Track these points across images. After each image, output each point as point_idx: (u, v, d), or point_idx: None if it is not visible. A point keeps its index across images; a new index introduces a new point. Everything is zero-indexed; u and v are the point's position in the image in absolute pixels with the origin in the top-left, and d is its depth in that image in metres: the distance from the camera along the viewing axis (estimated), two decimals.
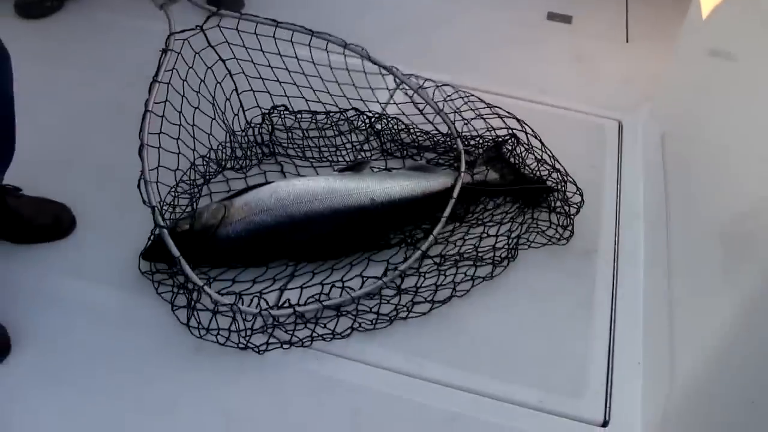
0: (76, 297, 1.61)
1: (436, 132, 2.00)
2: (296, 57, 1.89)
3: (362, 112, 2.03)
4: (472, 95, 2.05)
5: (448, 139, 1.98)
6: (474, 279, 1.64)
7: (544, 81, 2.32)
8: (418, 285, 1.62)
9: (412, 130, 2.01)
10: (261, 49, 1.86)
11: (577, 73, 2.40)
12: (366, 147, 2.00)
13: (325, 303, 1.53)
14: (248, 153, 1.93)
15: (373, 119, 2.03)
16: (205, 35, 1.81)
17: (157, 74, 1.65)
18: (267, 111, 2.00)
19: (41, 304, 1.60)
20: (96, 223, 1.76)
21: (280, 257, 1.69)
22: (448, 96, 2.06)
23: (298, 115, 2.03)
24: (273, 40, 1.85)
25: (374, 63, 1.90)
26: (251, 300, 1.57)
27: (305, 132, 2.01)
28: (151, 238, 1.63)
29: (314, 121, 2.03)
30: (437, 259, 1.67)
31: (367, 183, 1.74)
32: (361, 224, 1.71)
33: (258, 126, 1.99)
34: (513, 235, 1.75)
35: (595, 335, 1.60)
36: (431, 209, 1.78)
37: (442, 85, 2.09)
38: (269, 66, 1.91)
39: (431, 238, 1.67)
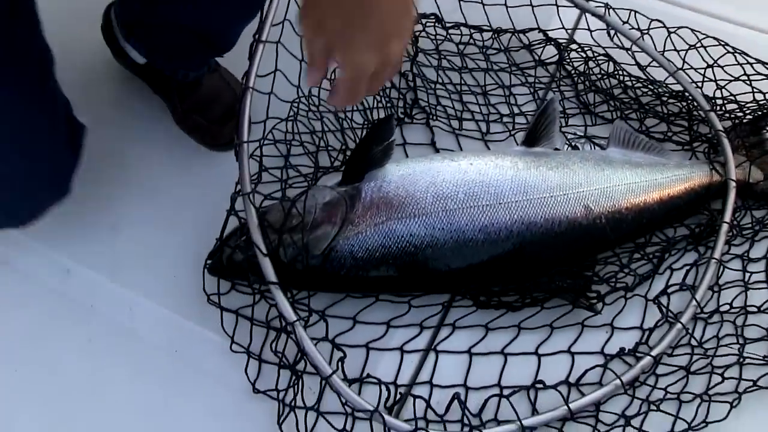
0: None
1: (664, 88, 1.29)
2: None
3: (549, 38, 1.33)
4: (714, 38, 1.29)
5: (685, 102, 1.28)
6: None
7: None
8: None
9: (624, 78, 1.31)
10: None
11: None
12: (549, 96, 1.31)
13: (527, 423, 0.92)
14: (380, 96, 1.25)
15: (567, 49, 1.33)
16: None
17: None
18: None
19: None
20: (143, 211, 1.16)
21: (425, 288, 1.08)
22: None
23: (453, 30, 1.34)
24: None
25: None
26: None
27: (464, 62, 1.33)
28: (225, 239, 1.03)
29: (477, 41, 1.34)
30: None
31: (576, 174, 1.09)
32: (564, 251, 1.07)
33: None
34: None
35: None
36: (660, 223, 1.14)
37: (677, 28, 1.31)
38: None
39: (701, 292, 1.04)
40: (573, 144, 1.25)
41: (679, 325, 1.00)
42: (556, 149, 1.17)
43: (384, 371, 1.00)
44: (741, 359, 1.00)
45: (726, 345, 1.02)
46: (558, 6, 1.30)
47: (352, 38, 0.72)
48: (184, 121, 1.20)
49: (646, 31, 1.27)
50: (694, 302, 1.02)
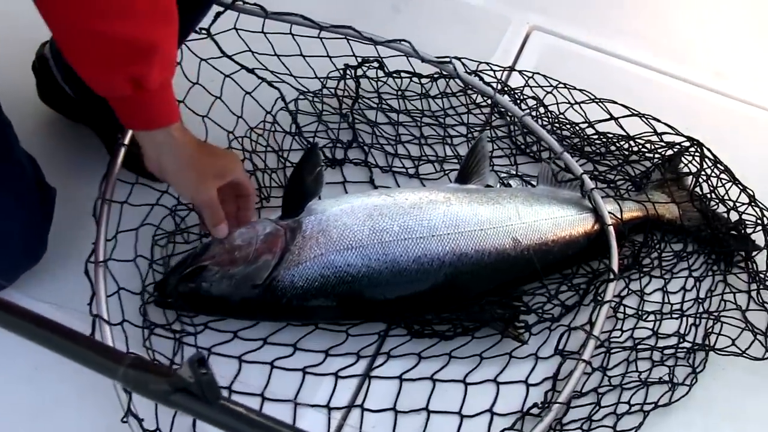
0: None
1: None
2: None
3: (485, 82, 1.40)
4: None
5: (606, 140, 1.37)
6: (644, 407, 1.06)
7: (720, 59, 1.66)
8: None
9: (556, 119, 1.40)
10: None
11: None
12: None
13: None
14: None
15: (501, 88, 1.41)
16: None
17: None
18: (353, 65, 1.39)
19: None
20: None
21: (363, 316, 1.13)
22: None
23: (394, 76, 1.41)
24: None
25: None
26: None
27: (402, 102, 1.40)
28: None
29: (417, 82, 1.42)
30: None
31: (506, 209, 1.15)
32: (493, 281, 1.13)
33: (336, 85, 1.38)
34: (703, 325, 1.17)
35: None
36: (584, 256, 1.21)
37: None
38: None
39: (600, 315, 1.10)
40: (505, 182, 1.33)
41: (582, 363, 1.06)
42: (489, 186, 1.24)
43: (323, 396, 1.04)
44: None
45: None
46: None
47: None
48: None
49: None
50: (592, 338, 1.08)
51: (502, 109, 1.40)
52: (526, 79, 1.44)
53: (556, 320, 1.13)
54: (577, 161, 1.29)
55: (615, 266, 1.15)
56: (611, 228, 1.18)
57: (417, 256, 1.07)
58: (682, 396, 1.08)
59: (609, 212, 1.20)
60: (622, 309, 1.16)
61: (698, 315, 1.17)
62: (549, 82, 1.44)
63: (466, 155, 1.21)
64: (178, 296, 1.05)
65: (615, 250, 1.16)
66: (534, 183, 1.29)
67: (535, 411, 1.04)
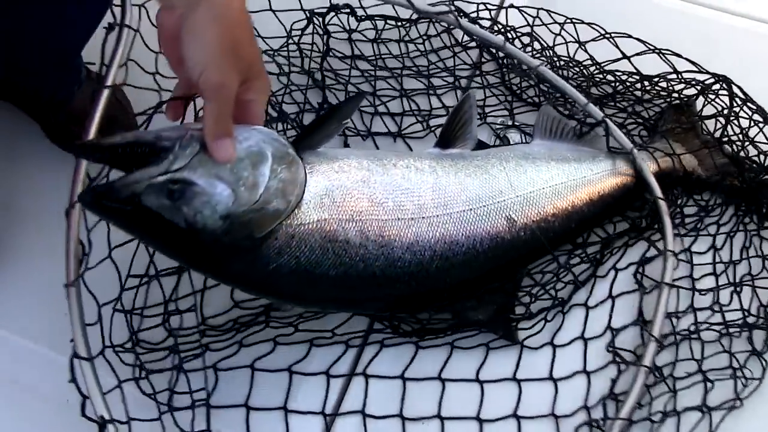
0: None
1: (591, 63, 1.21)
2: None
3: (465, 14, 1.22)
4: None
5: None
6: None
7: None
8: None
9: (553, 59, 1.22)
10: None
11: None
12: (474, 84, 1.22)
13: None
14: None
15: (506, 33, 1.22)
16: None
17: None
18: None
19: None
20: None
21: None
22: None
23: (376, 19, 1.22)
24: None
25: None
26: None
27: (377, 53, 1.22)
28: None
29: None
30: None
31: (495, 180, 0.97)
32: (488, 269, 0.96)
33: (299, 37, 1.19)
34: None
35: None
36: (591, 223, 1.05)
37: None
38: None
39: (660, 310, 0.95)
40: (501, 134, 1.16)
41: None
42: (482, 144, 1.07)
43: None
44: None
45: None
46: None
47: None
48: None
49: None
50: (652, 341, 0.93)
51: (493, 50, 1.22)
52: (532, 18, 1.23)
53: (565, 303, 0.98)
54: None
55: (671, 245, 0.99)
56: (662, 203, 1.02)
57: (409, 243, 0.88)
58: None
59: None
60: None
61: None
62: (553, 18, 1.24)
63: (449, 117, 1.02)
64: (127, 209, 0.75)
65: (670, 229, 1.00)
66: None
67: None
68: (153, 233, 0.78)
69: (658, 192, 1.03)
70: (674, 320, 0.97)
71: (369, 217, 0.86)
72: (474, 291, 0.95)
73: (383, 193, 0.88)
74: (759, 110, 1.11)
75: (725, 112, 1.12)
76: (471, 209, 0.93)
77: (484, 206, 0.94)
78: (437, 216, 0.91)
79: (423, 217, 0.90)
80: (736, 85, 1.13)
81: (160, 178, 0.74)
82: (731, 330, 0.98)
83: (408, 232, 0.89)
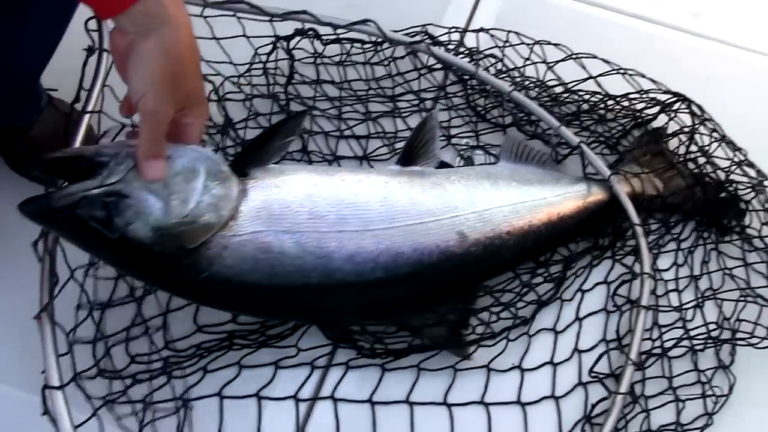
0: None
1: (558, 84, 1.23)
2: None
3: (435, 39, 1.24)
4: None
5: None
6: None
7: None
8: None
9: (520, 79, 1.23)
10: None
11: None
12: (440, 106, 1.23)
13: None
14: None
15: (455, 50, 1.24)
16: None
17: None
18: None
19: None
20: None
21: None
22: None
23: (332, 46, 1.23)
24: None
25: None
26: None
27: (343, 77, 1.23)
28: None
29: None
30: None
31: (451, 196, 0.98)
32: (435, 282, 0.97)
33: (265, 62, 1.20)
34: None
35: None
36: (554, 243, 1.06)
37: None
38: None
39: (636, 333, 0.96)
40: (465, 156, 1.17)
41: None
42: (444, 164, 1.08)
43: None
44: None
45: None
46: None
47: None
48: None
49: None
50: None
51: (459, 73, 1.23)
52: (502, 42, 1.26)
53: (528, 321, 0.99)
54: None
55: (648, 268, 1.00)
56: (639, 229, 1.03)
57: (350, 254, 0.90)
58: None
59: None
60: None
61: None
62: (521, 40, 1.26)
63: (411, 134, 1.03)
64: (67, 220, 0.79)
65: (646, 252, 1.02)
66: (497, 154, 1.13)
67: None
68: (89, 241, 0.83)
69: (635, 218, 1.04)
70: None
71: (307, 230, 0.88)
72: (425, 305, 0.96)
73: (326, 206, 0.90)
74: (716, 128, 1.13)
75: (686, 130, 1.13)
76: (421, 222, 0.94)
77: (436, 220, 0.95)
78: (383, 229, 0.92)
79: (367, 230, 0.91)
80: (695, 104, 1.14)
81: (95, 190, 0.78)
82: (695, 345, 0.99)
83: (349, 244, 0.90)
